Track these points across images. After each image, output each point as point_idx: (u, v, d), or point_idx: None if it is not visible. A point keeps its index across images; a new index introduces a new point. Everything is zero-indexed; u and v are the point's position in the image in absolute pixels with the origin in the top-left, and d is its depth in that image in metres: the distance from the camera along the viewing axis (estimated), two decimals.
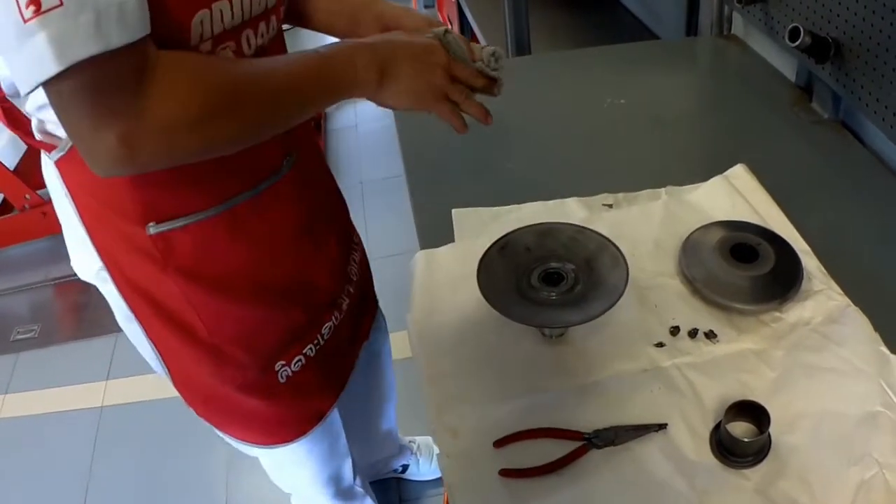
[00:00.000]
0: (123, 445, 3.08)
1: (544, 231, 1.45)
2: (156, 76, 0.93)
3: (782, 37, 1.88)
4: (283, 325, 1.46)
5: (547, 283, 1.38)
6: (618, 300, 1.29)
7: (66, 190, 1.26)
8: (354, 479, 2.04)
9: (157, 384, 2.92)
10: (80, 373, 3.42)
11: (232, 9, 1.08)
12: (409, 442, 2.71)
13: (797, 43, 1.79)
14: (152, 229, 1.24)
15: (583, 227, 1.44)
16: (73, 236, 1.35)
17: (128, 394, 3.28)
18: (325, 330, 1.55)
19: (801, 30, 1.78)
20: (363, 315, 1.80)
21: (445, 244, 1.60)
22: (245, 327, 1.41)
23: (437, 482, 2.70)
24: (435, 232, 1.64)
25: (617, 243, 1.38)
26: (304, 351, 1.51)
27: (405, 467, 2.72)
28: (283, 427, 1.61)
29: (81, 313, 3.73)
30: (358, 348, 1.78)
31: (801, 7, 1.91)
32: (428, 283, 1.53)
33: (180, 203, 1.24)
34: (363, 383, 2.03)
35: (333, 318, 1.57)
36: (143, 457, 3.02)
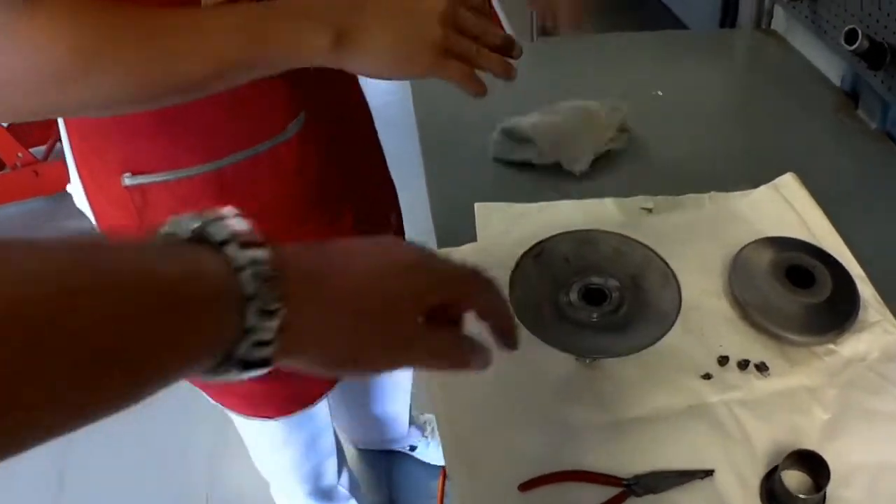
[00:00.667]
0: (100, 431, 2.92)
1: (584, 239, 1.30)
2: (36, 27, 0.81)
3: (832, 37, 1.77)
4: None
5: (588, 302, 1.24)
6: (670, 328, 1.15)
7: (64, 126, 1.16)
8: (339, 478, 1.97)
9: None
10: None
11: None
12: (424, 422, 2.65)
13: (854, 46, 1.66)
14: (127, 180, 1.13)
15: (628, 238, 1.29)
16: (73, 176, 1.25)
17: None
18: None
19: (860, 32, 1.65)
20: None
21: (466, 243, 1.45)
22: None
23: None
24: (454, 228, 1.49)
25: (660, 253, 1.25)
26: None
27: (413, 448, 2.66)
28: (265, 401, 1.54)
29: None
30: None
31: (855, 8, 1.77)
32: None
33: (161, 156, 1.13)
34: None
35: None
36: (122, 444, 2.91)
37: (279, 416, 1.57)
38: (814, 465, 1.06)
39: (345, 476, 2.09)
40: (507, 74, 1.02)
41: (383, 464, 2.65)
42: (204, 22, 0.88)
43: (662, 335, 1.14)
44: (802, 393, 1.19)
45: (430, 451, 2.65)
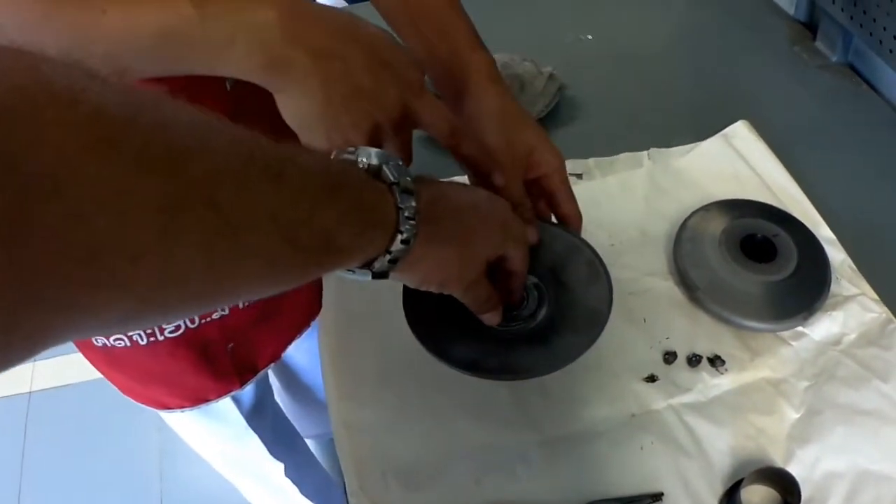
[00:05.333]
0: (56, 432, 3.09)
1: None
2: None
3: None
4: None
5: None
6: (598, 336, 1.02)
7: None
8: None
9: (87, 364, 2.88)
10: None
11: None
12: None
13: None
14: None
15: (545, 222, 1.12)
16: None
17: (58, 376, 3.24)
18: (168, 327, 1.38)
19: None
20: (287, 319, 1.62)
21: None
22: None
23: None
24: None
25: (592, 229, 1.11)
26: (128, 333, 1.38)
27: None
28: (126, 389, 1.57)
29: None
30: (276, 350, 1.62)
31: None
32: (344, 297, 1.27)
33: None
34: (312, 368, 2.01)
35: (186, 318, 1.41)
36: (76, 443, 3.02)
37: (178, 409, 1.57)
38: (779, 480, 0.97)
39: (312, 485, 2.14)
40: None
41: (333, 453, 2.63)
42: None
43: (590, 345, 1.02)
44: (766, 388, 1.09)
45: None
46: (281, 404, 1.98)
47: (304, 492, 2.07)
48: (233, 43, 0.83)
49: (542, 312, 1.07)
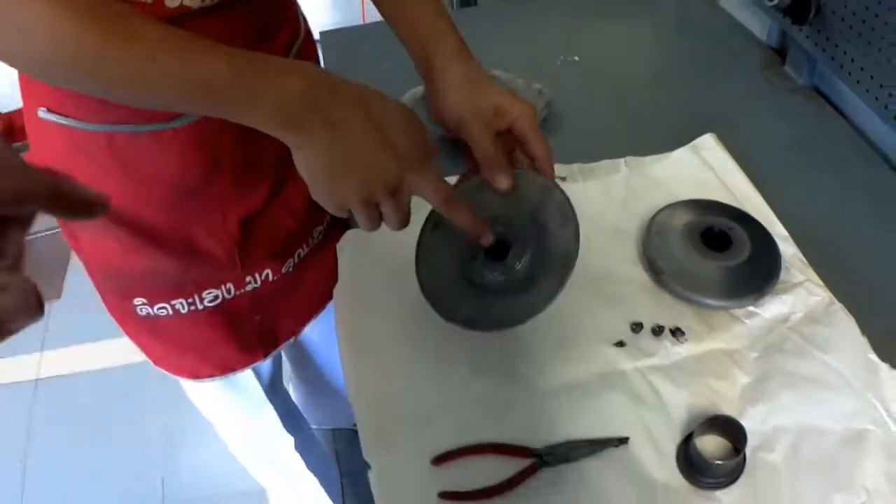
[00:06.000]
0: (61, 419, 3.11)
1: (477, 186, 1.17)
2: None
3: None
4: (146, 265, 1.44)
5: (493, 258, 1.21)
6: (567, 279, 1.18)
7: None
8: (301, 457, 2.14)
9: (93, 354, 3.14)
10: (12, 344, 3.38)
11: None
12: None
13: (775, 2, 1.73)
14: (41, 113, 1.25)
15: (521, 169, 1.18)
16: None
17: (65, 365, 3.30)
18: (206, 295, 1.51)
19: None
20: (308, 297, 1.74)
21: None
22: (105, 247, 1.43)
23: None
24: None
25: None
26: (171, 302, 1.49)
27: None
28: (162, 359, 1.67)
29: None
30: (297, 324, 1.75)
31: None
32: (357, 270, 1.45)
33: (63, 103, 1.23)
34: (325, 349, 2.14)
35: (224, 289, 1.52)
36: (81, 431, 3.05)
37: (186, 378, 1.68)
38: (730, 429, 1.12)
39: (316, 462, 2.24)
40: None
41: (331, 441, 2.76)
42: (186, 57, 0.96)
43: (561, 288, 1.18)
44: (721, 357, 1.25)
45: None
46: (290, 393, 2.08)
47: (309, 467, 2.17)
48: (257, 105, 0.97)
49: (525, 258, 1.20)
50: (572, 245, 1.19)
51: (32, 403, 3.20)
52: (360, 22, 3.91)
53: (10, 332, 0.61)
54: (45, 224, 2.47)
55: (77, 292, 2.82)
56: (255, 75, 0.98)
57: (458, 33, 1.22)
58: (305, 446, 2.15)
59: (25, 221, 0.60)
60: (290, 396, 2.13)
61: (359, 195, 1.04)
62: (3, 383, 3.31)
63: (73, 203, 0.59)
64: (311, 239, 1.61)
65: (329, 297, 1.57)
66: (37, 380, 3.26)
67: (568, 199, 1.18)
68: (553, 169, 1.19)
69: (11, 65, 0.95)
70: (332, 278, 1.49)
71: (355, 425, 2.68)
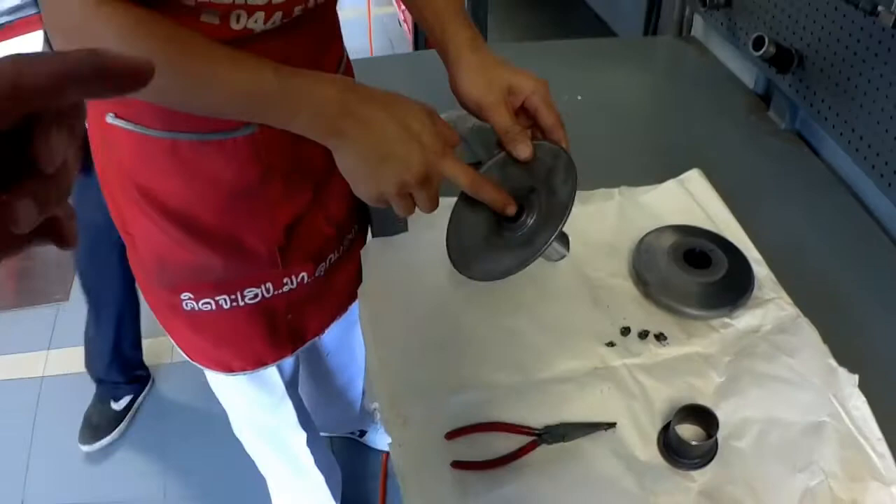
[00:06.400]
0: (65, 415, 3.17)
1: (501, 162, 1.23)
2: (103, 25, 1.05)
3: (744, 43, 1.99)
4: (196, 260, 1.55)
5: (512, 220, 1.27)
6: (561, 225, 1.32)
7: None
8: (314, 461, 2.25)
9: None
10: (20, 341, 3.52)
11: None
12: (374, 409, 2.88)
13: (761, 52, 1.90)
14: (109, 118, 1.37)
15: (539, 140, 1.26)
16: None
17: (69, 364, 3.38)
18: (247, 293, 1.63)
19: (766, 39, 1.89)
20: (335, 298, 1.86)
21: (399, 233, 1.68)
22: (158, 242, 1.52)
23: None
24: (388, 221, 1.70)
25: (571, 245, 1.41)
26: (215, 297, 1.60)
27: (363, 432, 2.95)
28: (199, 352, 1.75)
29: (23, 281, 3.79)
30: (322, 324, 1.86)
31: (766, 16, 2.02)
32: (380, 272, 1.60)
33: (130, 110, 1.35)
34: (337, 352, 2.30)
35: (264, 288, 1.64)
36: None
37: (218, 371, 1.78)
38: (705, 418, 1.28)
39: (323, 461, 2.33)
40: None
41: (334, 447, 2.87)
42: (236, 78, 1.12)
43: (553, 234, 1.31)
44: (698, 359, 1.42)
45: (379, 438, 2.94)
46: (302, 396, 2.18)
47: (317, 463, 2.27)
48: (299, 112, 1.12)
49: (534, 216, 1.28)
50: (570, 196, 1.31)
51: (38, 399, 3.31)
52: (368, 55, 4.06)
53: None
54: None
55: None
56: (296, 87, 1.12)
57: (471, 27, 1.34)
58: (314, 444, 2.24)
59: (72, 124, 0.53)
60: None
61: (394, 187, 1.14)
62: (10, 378, 3.42)
63: (118, 73, 0.51)
64: (342, 245, 1.73)
65: (351, 299, 1.71)
66: (42, 377, 3.38)
67: (571, 158, 1.29)
68: (566, 134, 1.29)
69: None
70: (355, 282, 1.63)
71: (353, 433, 2.83)
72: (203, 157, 1.41)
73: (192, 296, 1.59)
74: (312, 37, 1.39)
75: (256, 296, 1.64)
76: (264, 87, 1.11)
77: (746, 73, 2.27)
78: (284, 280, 1.65)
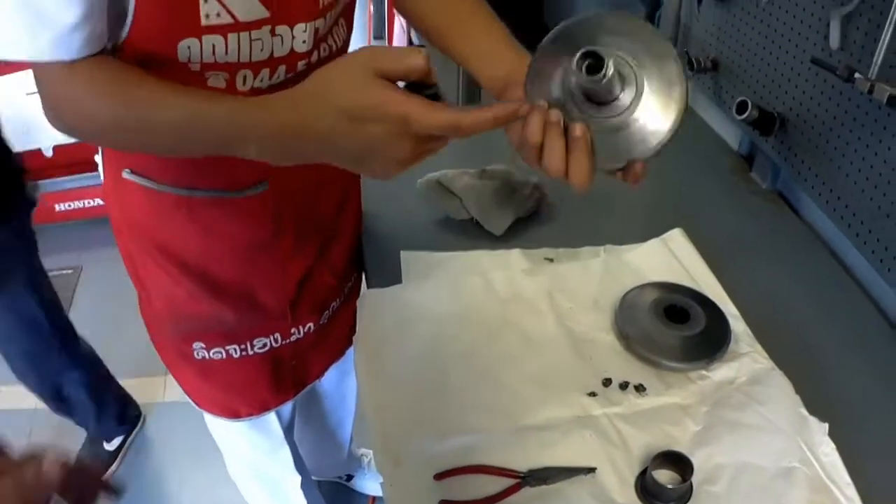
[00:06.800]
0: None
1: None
2: (75, 89, 1.13)
3: (729, 107, 2.06)
4: (209, 312, 1.62)
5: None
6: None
7: None
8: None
9: None
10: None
11: (227, 45, 1.19)
12: (361, 455, 2.97)
13: (744, 116, 1.98)
14: (125, 174, 1.44)
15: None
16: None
17: None
18: (257, 342, 1.70)
19: (749, 104, 1.97)
20: (335, 344, 1.94)
21: (393, 284, 1.76)
22: (172, 294, 1.59)
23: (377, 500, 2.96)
24: (383, 271, 1.80)
25: (557, 297, 1.50)
26: (226, 347, 1.68)
27: (350, 477, 3.01)
28: (208, 399, 1.82)
29: None
30: (322, 368, 1.94)
31: (751, 80, 2.10)
32: (375, 322, 1.67)
33: (147, 167, 1.43)
34: (331, 395, 2.35)
35: (273, 338, 1.72)
36: None
37: (222, 417, 1.85)
38: (680, 464, 1.36)
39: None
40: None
41: (322, 490, 2.86)
42: (195, 120, 1.13)
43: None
44: (676, 409, 1.50)
45: (366, 483, 3.01)
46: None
47: None
48: (246, 144, 1.12)
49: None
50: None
51: (30, 431, 3.36)
52: None
53: None
54: (49, 264, 2.64)
55: (78, 330, 2.94)
56: (244, 120, 1.10)
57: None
58: (307, 487, 2.31)
59: None
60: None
61: (395, 170, 1.11)
62: (3, 409, 3.48)
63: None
64: (343, 293, 1.82)
65: (349, 343, 1.75)
66: (35, 409, 3.37)
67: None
68: None
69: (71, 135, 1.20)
70: (353, 327, 1.67)
71: (340, 477, 2.89)
72: (217, 214, 1.47)
73: (203, 345, 1.65)
74: None
75: (265, 345, 1.70)
76: (217, 120, 1.12)
77: (731, 134, 2.35)
78: (292, 330, 1.73)
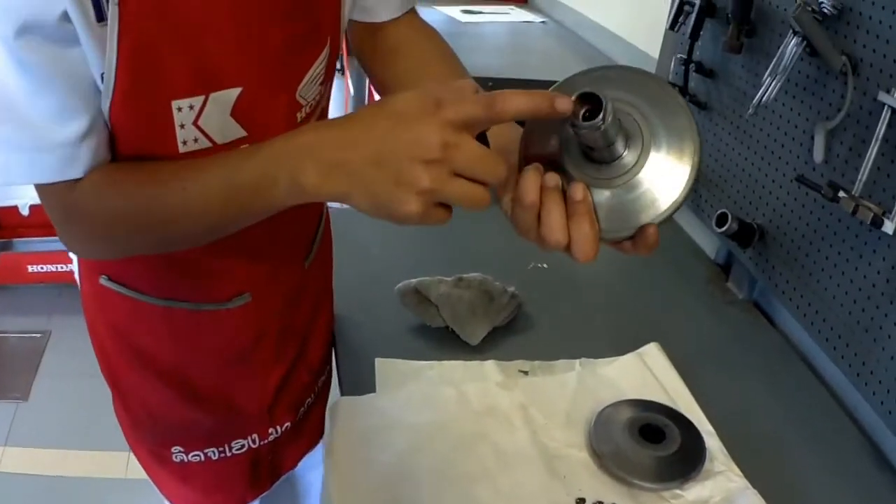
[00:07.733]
0: None
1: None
2: (78, 206, 1.15)
3: (708, 216, 2.10)
4: (188, 419, 1.62)
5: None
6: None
7: None
8: None
9: (56, 460, 3.23)
10: None
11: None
12: None
13: (724, 229, 2.02)
14: (103, 280, 1.45)
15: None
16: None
17: (26, 464, 3.42)
18: (235, 444, 1.70)
19: (729, 216, 2.00)
20: (309, 435, 1.94)
21: (367, 393, 1.75)
22: (150, 399, 1.60)
23: None
24: (357, 378, 1.80)
25: (531, 411, 1.51)
26: (205, 450, 1.68)
27: None
28: (186, 501, 1.80)
29: None
30: (297, 459, 1.93)
31: (732, 191, 2.14)
32: (347, 432, 1.67)
33: (125, 274, 1.44)
34: (300, 481, 2.26)
35: (251, 439, 1.72)
36: None
37: None
38: None
39: None
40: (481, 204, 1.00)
41: None
42: (207, 196, 1.07)
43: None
44: None
45: None
46: None
47: None
48: (277, 185, 0.99)
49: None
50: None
51: None
52: None
53: None
54: (17, 326, 2.65)
55: (44, 396, 2.91)
56: (263, 165, 1.01)
57: None
58: None
59: None
60: None
61: (414, 188, 0.93)
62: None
63: None
64: (317, 388, 1.83)
65: (320, 434, 1.79)
66: None
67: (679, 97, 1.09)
68: None
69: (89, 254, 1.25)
70: (324, 419, 1.69)
71: None
72: (197, 325, 1.49)
73: (182, 449, 1.66)
74: None
75: (244, 446, 1.71)
76: (225, 186, 1.05)
77: (708, 243, 2.38)
78: (270, 430, 1.73)
